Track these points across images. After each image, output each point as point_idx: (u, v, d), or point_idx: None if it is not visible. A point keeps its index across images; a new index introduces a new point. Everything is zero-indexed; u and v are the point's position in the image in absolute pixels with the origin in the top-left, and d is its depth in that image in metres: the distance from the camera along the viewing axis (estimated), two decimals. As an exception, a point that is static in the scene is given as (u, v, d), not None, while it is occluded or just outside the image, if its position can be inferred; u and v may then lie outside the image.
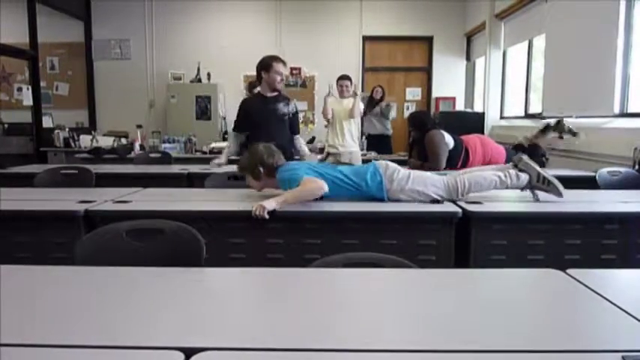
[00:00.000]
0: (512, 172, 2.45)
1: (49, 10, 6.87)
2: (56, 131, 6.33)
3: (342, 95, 4.63)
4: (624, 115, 4.00)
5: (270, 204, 2.14)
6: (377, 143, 6.10)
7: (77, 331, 0.99)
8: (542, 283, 1.35)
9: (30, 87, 6.51)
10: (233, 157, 3.70)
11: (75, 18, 7.54)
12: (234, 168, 2.95)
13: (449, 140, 3.75)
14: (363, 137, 6.23)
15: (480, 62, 7.40)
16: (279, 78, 3.45)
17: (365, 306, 1.17)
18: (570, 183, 3.00)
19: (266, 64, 3.44)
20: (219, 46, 7.52)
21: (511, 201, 2.53)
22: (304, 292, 1.27)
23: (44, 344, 0.93)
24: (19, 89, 6.72)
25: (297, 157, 3.61)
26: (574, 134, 4.06)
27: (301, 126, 7.50)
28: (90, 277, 1.35)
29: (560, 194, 2.39)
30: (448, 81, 7.81)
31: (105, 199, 2.42)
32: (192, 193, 2.81)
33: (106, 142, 5.81)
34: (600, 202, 2.57)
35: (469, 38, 7.68)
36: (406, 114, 7.41)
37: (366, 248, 1.55)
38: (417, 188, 2.38)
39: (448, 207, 2.29)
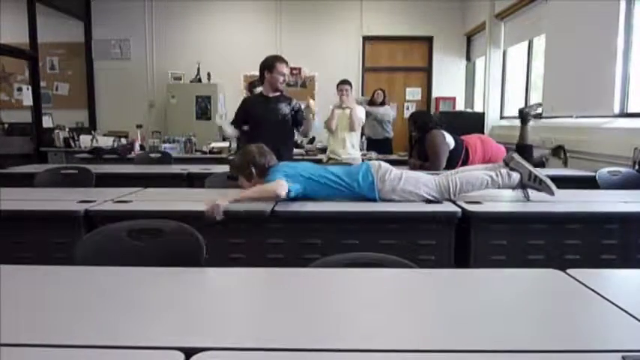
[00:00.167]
0: (504, 171, 2.44)
1: (49, 10, 6.87)
2: (56, 131, 6.32)
3: (342, 100, 4.60)
4: (624, 115, 3.99)
5: (224, 202, 2.12)
6: (377, 145, 6.10)
7: (77, 331, 0.99)
8: (542, 283, 1.35)
9: (30, 87, 6.51)
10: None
11: (75, 18, 7.54)
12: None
13: (449, 140, 3.75)
14: (363, 137, 6.22)
15: (480, 62, 7.40)
16: (281, 78, 3.46)
17: (365, 306, 1.17)
18: (570, 183, 3.02)
19: (269, 64, 3.44)
20: (219, 46, 7.52)
21: (511, 201, 2.52)
22: (304, 292, 1.27)
23: (44, 344, 0.93)
24: (19, 89, 6.72)
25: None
26: (565, 164, 4.05)
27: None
28: (90, 277, 1.35)
29: (552, 192, 2.39)
30: (448, 81, 7.81)
31: (105, 199, 2.42)
32: (192, 193, 2.81)
33: (106, 142, 5.80)
34: (600, 202, 2.57)
35: (469, 38, 7.68)
36: (406, 114, 7.41)
37: (366, 248, 1.55)
38: (409, 188, 2.38)
39: (448, 207, 2.29)
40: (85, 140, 6.01)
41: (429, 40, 7.79)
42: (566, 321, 1.08)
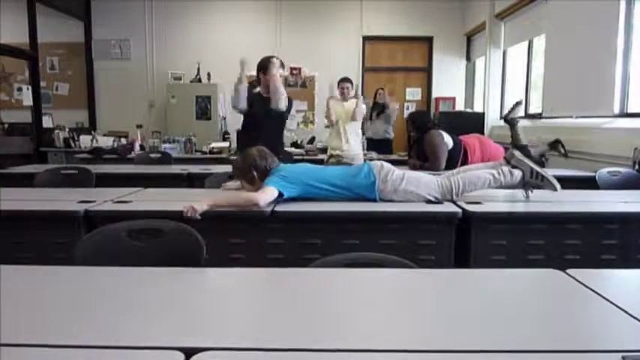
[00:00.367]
0: (506, 169, 2.44)
1: (49, 10, 6.86)
2: (56, 131, 6.32)
3: (343, 98, 4.61)
4: (624, 115, 3.99)
5: (202, 205, 2.12)
6: (378, 145, 6.10)
7: (77, 331, 0.99)
8: (542, 283, 1.35)
9: (30, 87, 6.51)
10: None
11: (75, 18, 7.54)
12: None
13: (448, 140, 3.75)
14: (364, 137, 6.22)
15: (480, 62, 7.40)
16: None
17: (365, 306, 1.17)
18: (570, 183, 3.01)
19: (264, 66, 3.45)
20: (219, 46, 7.51)
21: (511, 201, 2.52)
22: (304, 292, 1.27)
23: (44, 344, 0.93)
24: (19, 89, 6.72)
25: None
26: (565, 156, 4.02)
27: (301, 126, 7.62)
28: (90, 277, 1.35)
29: (554, 188, 2.38)
30: (448, 81, 7.81)
31: (105, 199, 2.42)
32: (192, 193, 2.81)
33: (106, 142, 5.80)
34: (600, 202, 2.57)
35: (469, 38, 7.68)
36: (406, 114, 7.41)
37: (366, 248, 1.55)
38: (410, 189, 2.38)
39: (448, 207, 2.29)
40: (85, 140, 6.01)
41: (428, 40, 7.79)
42: (566, 321, 1.08)
